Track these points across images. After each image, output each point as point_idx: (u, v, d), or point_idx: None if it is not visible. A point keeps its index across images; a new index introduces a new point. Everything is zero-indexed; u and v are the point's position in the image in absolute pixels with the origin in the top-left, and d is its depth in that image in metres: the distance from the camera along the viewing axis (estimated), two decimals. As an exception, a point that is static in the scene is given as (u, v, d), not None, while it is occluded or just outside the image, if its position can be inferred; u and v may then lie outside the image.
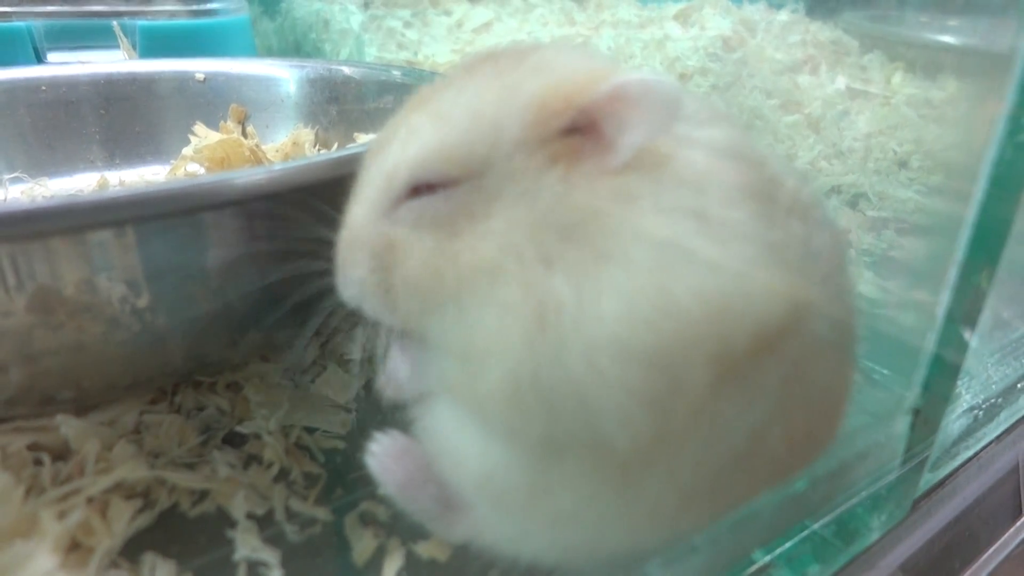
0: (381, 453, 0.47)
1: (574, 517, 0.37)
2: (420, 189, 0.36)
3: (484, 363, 0.34)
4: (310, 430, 0.56)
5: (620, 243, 0.32)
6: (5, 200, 0.83)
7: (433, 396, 0.42)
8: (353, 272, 0.39)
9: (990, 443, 0.62)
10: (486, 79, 0.37)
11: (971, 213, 0.44)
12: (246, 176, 0.46)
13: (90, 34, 1.02)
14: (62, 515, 0.45)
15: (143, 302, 0.47)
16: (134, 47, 1.04)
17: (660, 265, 0.32)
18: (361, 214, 0.39)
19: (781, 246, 0.35)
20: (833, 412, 0.43)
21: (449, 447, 0.41)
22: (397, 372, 0.43)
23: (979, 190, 0.43)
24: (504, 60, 0.38)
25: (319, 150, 0.90)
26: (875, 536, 0.52)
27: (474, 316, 0.35)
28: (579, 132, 0.35)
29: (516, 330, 0.33)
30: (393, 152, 0.37)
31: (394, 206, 0.37)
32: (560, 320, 0.32)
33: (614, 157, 0.34)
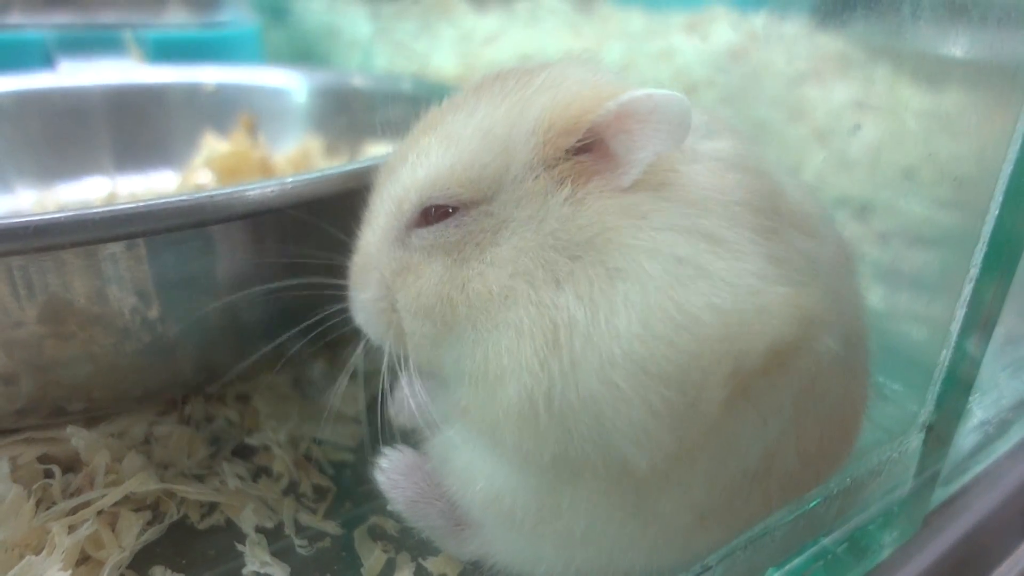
0: (390, 468, 0.47)
1: (586, 538, 0.37)
2: (431, 215, 0.36)
3: (498, 385, 0.34)
4: (319, 442, 0.56)
5: (632, 259, 0.32)
6: (16, 207, 0.83)
7: (444, 422, 0.42)
8: (363, 296, 0.39)
9: (1001, 458, 0.61)
10: (494, 101, 0.37)
11: (986, 228, 0.43)
12: (258, 189, 0.46)
13: (101, 44, 1.02)
14: (72, 528, 0.44)
15: (153, 313, 0.47)
16: (145, 57, 1.05)
17: (674, 281, 0.32)
18: (373, 239, 0.39)
19: (792, 259, 0.35)
20: (849, 426, 0.42)
21: (458, 467, 0.41)
22: (408, 400, 0.43)
23: (994, 205, 0.43)
24: (511, 81, 0.38)
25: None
26: (886, 553, 0.51)
27: (487, 339, 0.35)
28: (588, 151, 0.35)
29: (529, 351, 0.33)
30: (403, 176, 0.38)
31: (406, 231, 0.37)
32: (572, 339, 0.32)
33: (624, 174, 0.34)
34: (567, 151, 0.34)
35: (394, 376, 0.40)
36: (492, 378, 0.34)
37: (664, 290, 0.32)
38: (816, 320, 0.35)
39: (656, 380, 0.31)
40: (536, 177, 0.35)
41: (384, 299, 0.38)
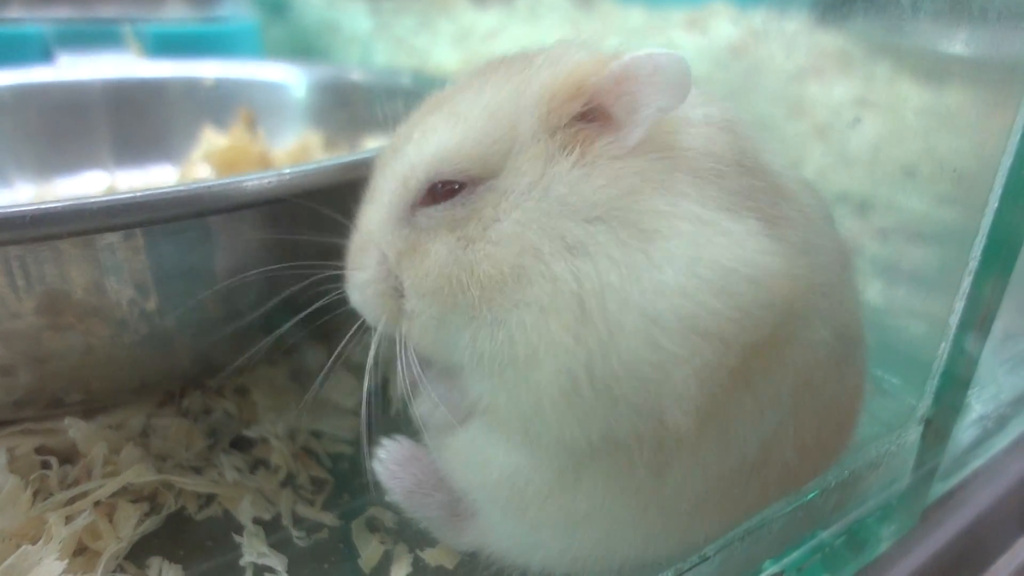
0: (388, 459, 0.47)
1: (586, 521, 0.37)
2: (437, 193, 0.36)
3: (531, 367, 0.33)
4: (317, 435, 0.56)
5: (664, 222, 0.32)
6: (14, 202, 0.83)
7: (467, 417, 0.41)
8: (361, 277, 0.39)
9: (1000, 453, 0.61)
10: (500, 80, 0.37)
11: (985, 223, 0.44)
12: (256, 180, 0.46)
13: (100, 38, 1.02)
14: (69, 519, 0.44)
15: (151, 305, 0.47)
16: (144, 51, 1.05)
17: (704, 240, 0.32)
18: (375, 218, 0.38)
19: (790, 218, 0.35)
20: (846, 419, 0.42)
21: (457, 452, 0.41)
22: (436, 399, 0.40)
23: (993, 200, 0.43)
24: (515, 62, 0.38)
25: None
26: (884, 546, 0.51)
27: (509, 318, 0.33)
28: (591, 119, 0.35)
29: (557, 327, 0.32)
30: (408, 154, 0.37)
31: (411, 210, 0.37)
32: (605, 304, 0.31)
33: (629, 134, 0.33)
34: (571, 118, 0.34)
35: (387, 364, 0.40)
36: (523, 360, 0.33)
37: (701, 246, 0.31)
38: (817, 283, 0.35)
39: (701, 336, 0.31)
40: (537, 143, 0.34)
41: (384, 280, 0.38)
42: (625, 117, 0.34)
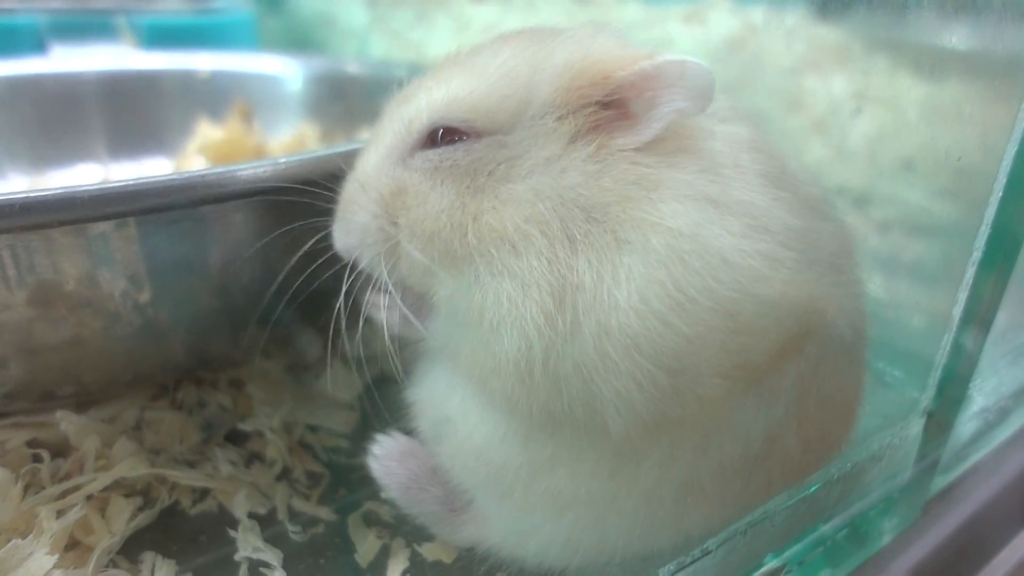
0: (383, 455, 0.46)
1: (573, 501, 0.37)
2: (438, 139, 0.36)
3: (494, 334, 0.33)
4: (313, 428, 0.55)
5: (639, 232, 0.32)
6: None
7: (431, 361, 0.41)
8: (356, 217, 0.38)
9: (1001, 446, 0.61)
10: (521, 45, 0.37)
11: (988, 214, 0.43)
12: (250, 168, 0.45)
13: (94, 29, 1.01)
14: (61, 513, 0.44)
15: (144, 296, 0.47)
16: (138, 43, 1.04)
17: (674, 256, 0.32)
18: (374, 158, 0.38)
19: (805, 236, 0.34)
20: (848, 411, 0.42)
21: (445, 423, 0.41)
22: (391, 308, 0.40)
23: (997, 190, 0.43)
24: (540, 33, 0.38)
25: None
26: (886, 539, 0.51)
27: (487, 283, 0.34)
28: (609, 107, 0.34)
29: (534, 305, 0.32)
30: (419, 98, 0.37)
31: (411, 152, 0.37)
32: (577, 300, 0.32)
33: (644, 130, 0.34)
34: (591, 103, 0.34)
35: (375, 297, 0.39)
36: (488, 326, 0.34)
37: (664, 265, 0.31)
38: (823, 312, 0.34)
39: (647, 358, 0.31)
40: (558, 118, 0.34)
41: (379, 219, 0.37)
42: (643, 114, 0.34)
